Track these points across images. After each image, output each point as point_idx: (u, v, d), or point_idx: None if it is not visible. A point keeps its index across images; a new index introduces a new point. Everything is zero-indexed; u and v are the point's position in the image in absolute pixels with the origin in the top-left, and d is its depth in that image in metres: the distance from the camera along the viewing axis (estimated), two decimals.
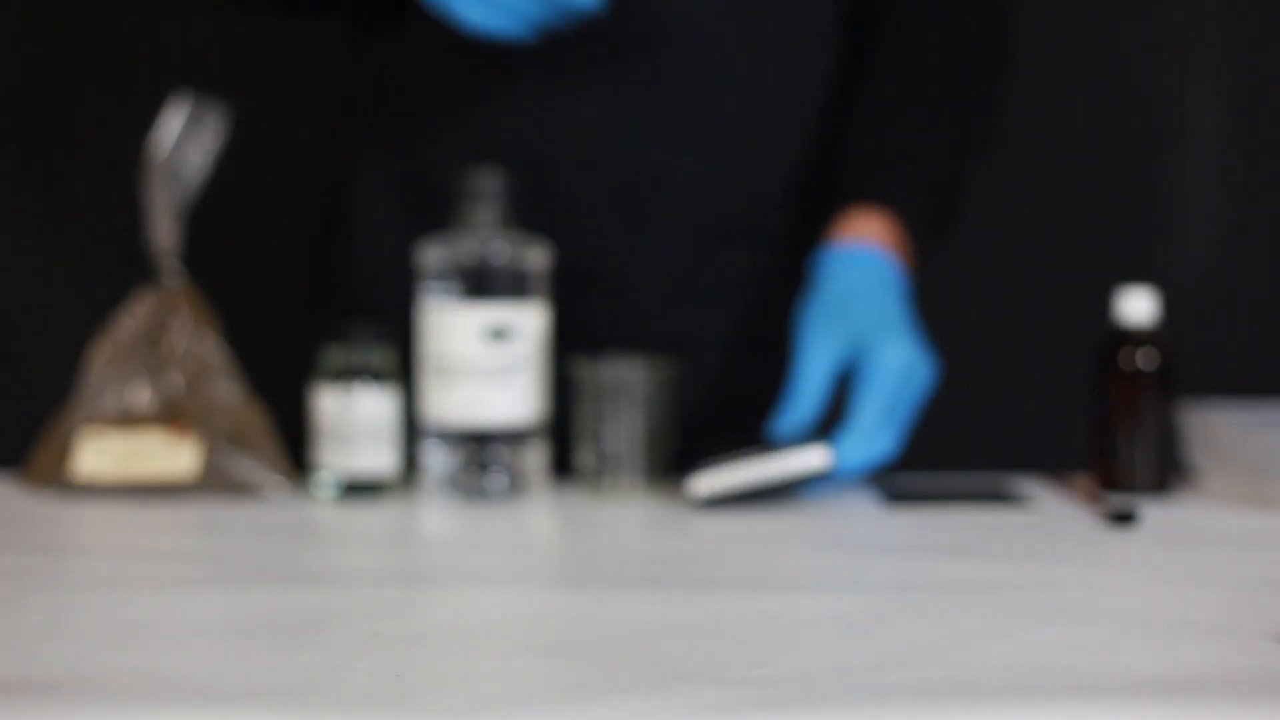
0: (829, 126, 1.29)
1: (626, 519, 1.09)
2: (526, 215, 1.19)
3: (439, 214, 1.21)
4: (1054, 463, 1.27)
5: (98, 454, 1.15)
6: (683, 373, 1.20)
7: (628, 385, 1.16)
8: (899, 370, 1.11)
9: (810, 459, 1.09)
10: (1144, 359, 1.16)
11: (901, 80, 1.26)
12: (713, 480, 1.09)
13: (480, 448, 1.14)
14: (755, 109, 1.27)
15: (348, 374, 1.15)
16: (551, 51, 1.20)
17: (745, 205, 1.28)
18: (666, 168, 1.25)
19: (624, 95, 1.24)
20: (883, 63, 1.26)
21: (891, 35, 1.28)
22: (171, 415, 1.17)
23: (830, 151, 1.28)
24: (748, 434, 1.18)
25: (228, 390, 1.18)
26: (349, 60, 1.35)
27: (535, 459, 1.16)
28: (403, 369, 1.19)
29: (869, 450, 1.10)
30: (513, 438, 1.15)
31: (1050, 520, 1.08)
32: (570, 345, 1.22)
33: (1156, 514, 1.08)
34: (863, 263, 1.17)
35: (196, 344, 1.18)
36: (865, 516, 1.08)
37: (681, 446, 1.19)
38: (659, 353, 1.20)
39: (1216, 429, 1.16)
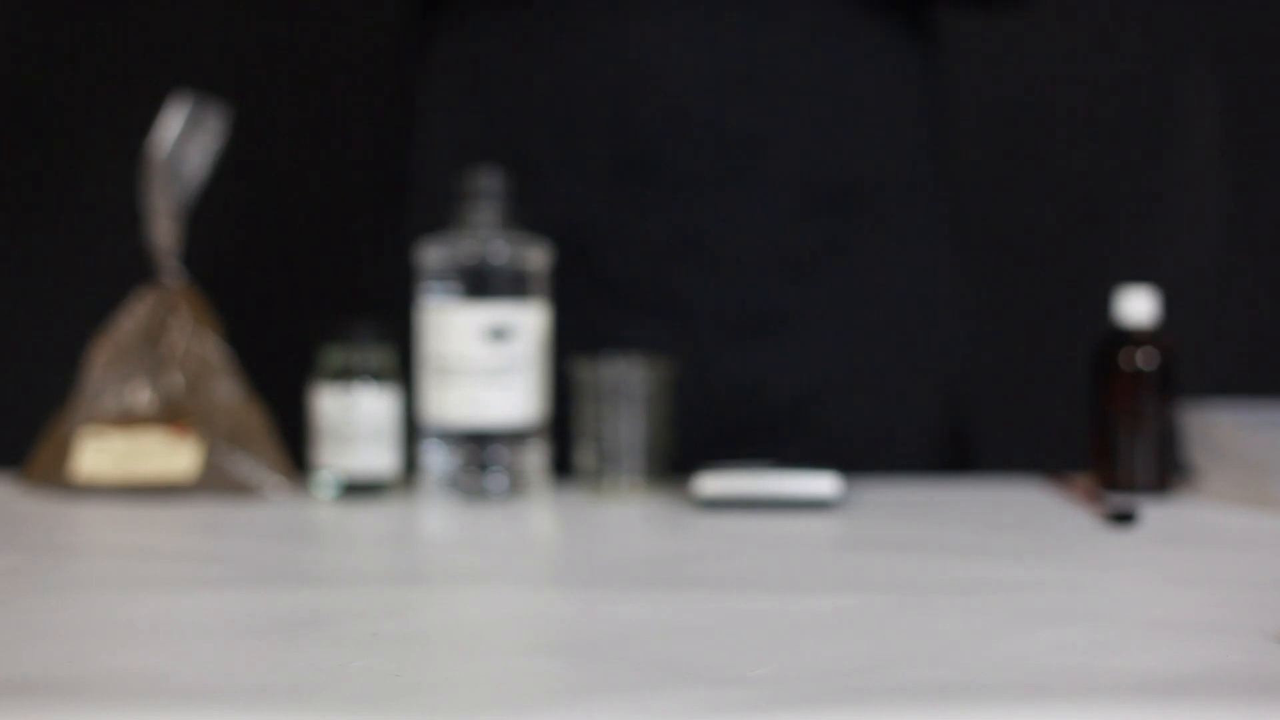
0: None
1: (626, 519, 1.09)
2: (618, 185, 1.21)
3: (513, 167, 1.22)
4: (1054, 463, 1.27)
5: (98, 454, 1.15)
6: (787, 343, 1.24)
7: (628, 385, 1.16)
8: None
9: (819, 485, 1.09)
10: (1144, 359, 1.16)
11: None
12: (719, 483, 1.10)
13: (480, 448, 1.14)
14: (855, 71, 1.27)
15: (348, 374, 1.15)
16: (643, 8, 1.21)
17: (847, 171, 1.28)
18: (765, 132, 1.25)
19: (720, 55, 1.24)
20: None
21: None
22: (171, 415, 1.17)
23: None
24: (846, 403, 1.23)
25: (228, 390, 1.18)
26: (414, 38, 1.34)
27: (535, 459, 1.16)
28: (403, 369, 1.19)
29: None
30: (513, 438, 1.15)
31: (1050, 520, 1.08)
32: (668, 314, 1.24)
33: (1156, 514, 1.08)
34: None
35: (196, 344, 1.19)
36: (865, 516, 1.09)
37: (768, 414, 1.24)
38: (755, 322, 1.24)
39: (1216, 429, 1.16)
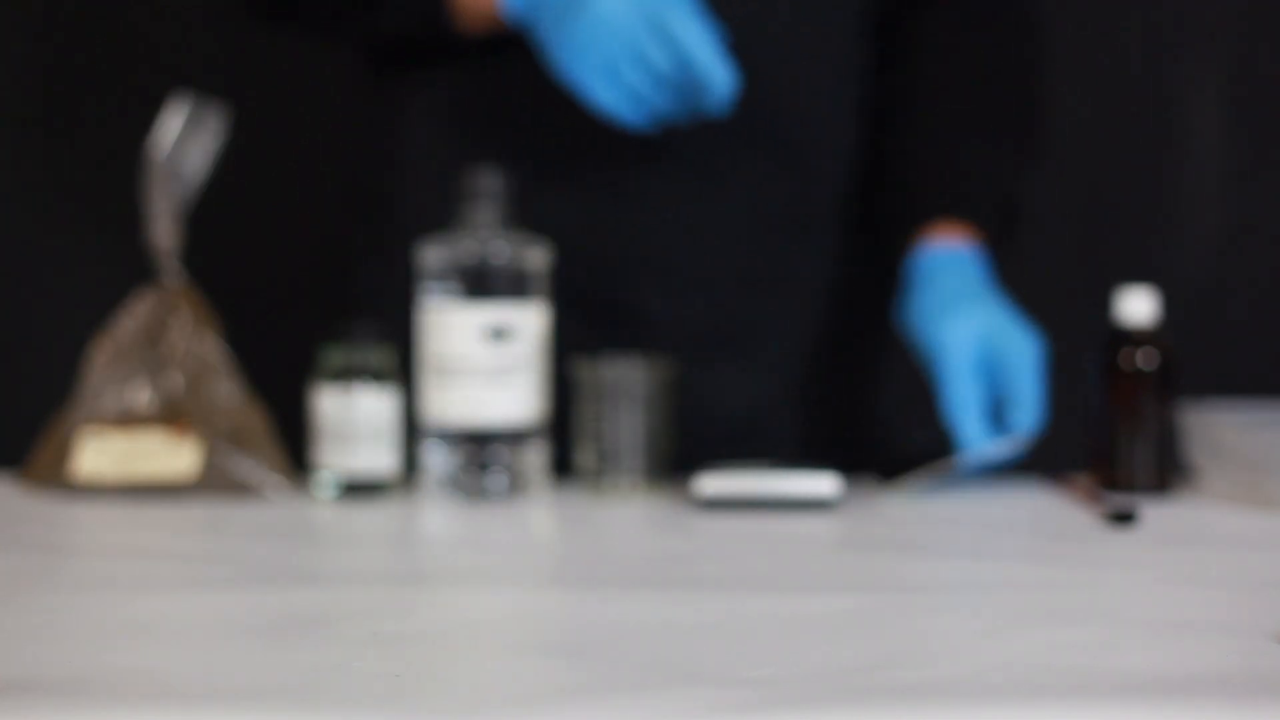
0: (876, 125, 1.33)
1: (626, 519, 1.09)
2: (593, 210, 1.24)
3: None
4: (1054, 463, 1.27)
5: (98, 454, 1.15)
6: (746, 361, 1.27)
7: (628, 385, 1.16)
8: (1038, 355, 1.19)
9: (819, 485, 1.10)
10: (1144, 359, 1.16)
11: (958, 93, 1.31)
12: (719, 483, 1.10)
13: (480, 448, 1.14)
14: (802, 107, 1.28)
15: (348, 374, 1.15)
16: None
17: (800, 198, 1.29)
18: (725, 165, 1.26)
19: None
20: (936, 76, 1.31)
21: (937, 44, 1.32)
22: (171, 415, 1.17)
23: (883, 152, 1.32)
24: (805, 422, 1.27)
25: (228, 390, 1.18)
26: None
27: (535, 459, 1.16)
28: (403, 369, 1.19)
29: (1037, 422, 1.17)
30: (513, 438, 1.15)
31: (1050, 520, 1.08)
32: (629, 336, 1.24)
33: (1156, 514, 1.08)
34: (964, 262, 1.24)
35: (196, 344, 1.18)
36: (865, 516, 1.09)
37: (731, 436, 1.25)
38: (718, 342, 1.26)
39: (1216, 429, 1.16)
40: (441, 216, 1.20)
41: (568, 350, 1.21)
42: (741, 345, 1.28)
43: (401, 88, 1.32)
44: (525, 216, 1.19)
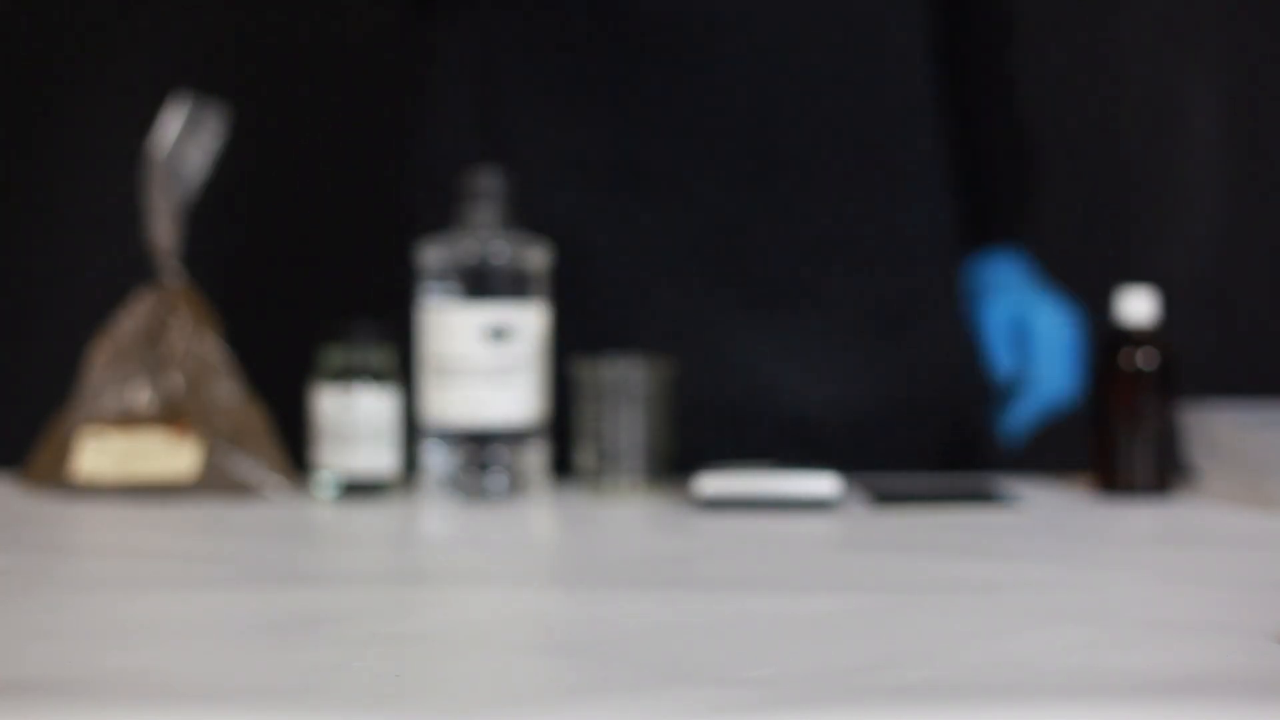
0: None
1: (626, 519, 1.09)
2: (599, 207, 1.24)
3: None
4: (1054, 463, 1.27)
5: (98, 454, 1.15)
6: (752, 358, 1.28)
7: (628, 385, 1.16)
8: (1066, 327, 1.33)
9: (820, 485, 1.10)
10: (1144, 359, 1.16)
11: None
12: (719, 483, 1.10)
13: (480, 448, 1.14)
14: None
15: (348, 374, 1.15)
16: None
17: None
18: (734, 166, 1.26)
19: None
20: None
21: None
22: (171, 415, 1.17)
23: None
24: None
25: (228, 390, 1.18)
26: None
27: (535, 459, 1.16)
28: (403, 369, 1.19)
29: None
30: (513, 438, 1.15)
31: (1049, 520, 1.08)
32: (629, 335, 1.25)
33: (1156, 514, 1.08)
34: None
35: (196, 344, 1.19)
36: (864, 517, 1.09)
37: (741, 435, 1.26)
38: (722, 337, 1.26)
39: (1216, 429, 1.16)
40: (442, 216, 1.20)
41: (568, 350, 1.21)
42: (745, 341, 1.28)
43: (405, 87, 1.32)
44: (530, 214, 1.19)
